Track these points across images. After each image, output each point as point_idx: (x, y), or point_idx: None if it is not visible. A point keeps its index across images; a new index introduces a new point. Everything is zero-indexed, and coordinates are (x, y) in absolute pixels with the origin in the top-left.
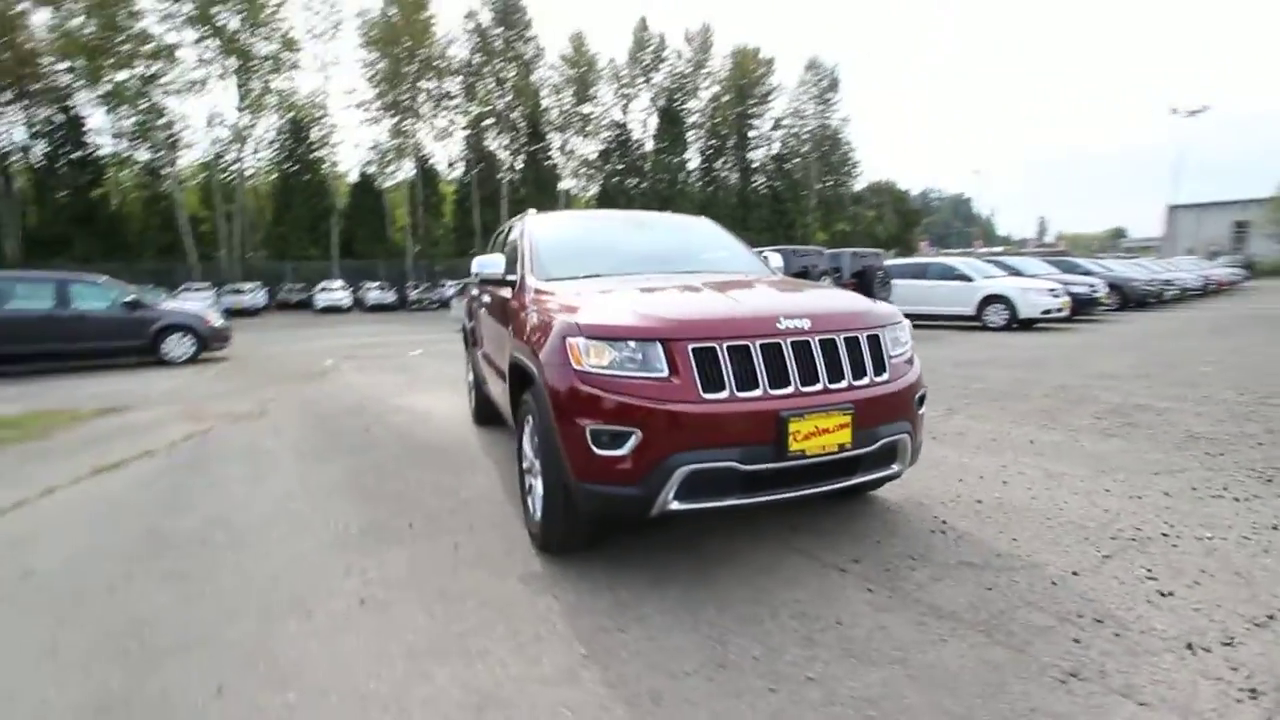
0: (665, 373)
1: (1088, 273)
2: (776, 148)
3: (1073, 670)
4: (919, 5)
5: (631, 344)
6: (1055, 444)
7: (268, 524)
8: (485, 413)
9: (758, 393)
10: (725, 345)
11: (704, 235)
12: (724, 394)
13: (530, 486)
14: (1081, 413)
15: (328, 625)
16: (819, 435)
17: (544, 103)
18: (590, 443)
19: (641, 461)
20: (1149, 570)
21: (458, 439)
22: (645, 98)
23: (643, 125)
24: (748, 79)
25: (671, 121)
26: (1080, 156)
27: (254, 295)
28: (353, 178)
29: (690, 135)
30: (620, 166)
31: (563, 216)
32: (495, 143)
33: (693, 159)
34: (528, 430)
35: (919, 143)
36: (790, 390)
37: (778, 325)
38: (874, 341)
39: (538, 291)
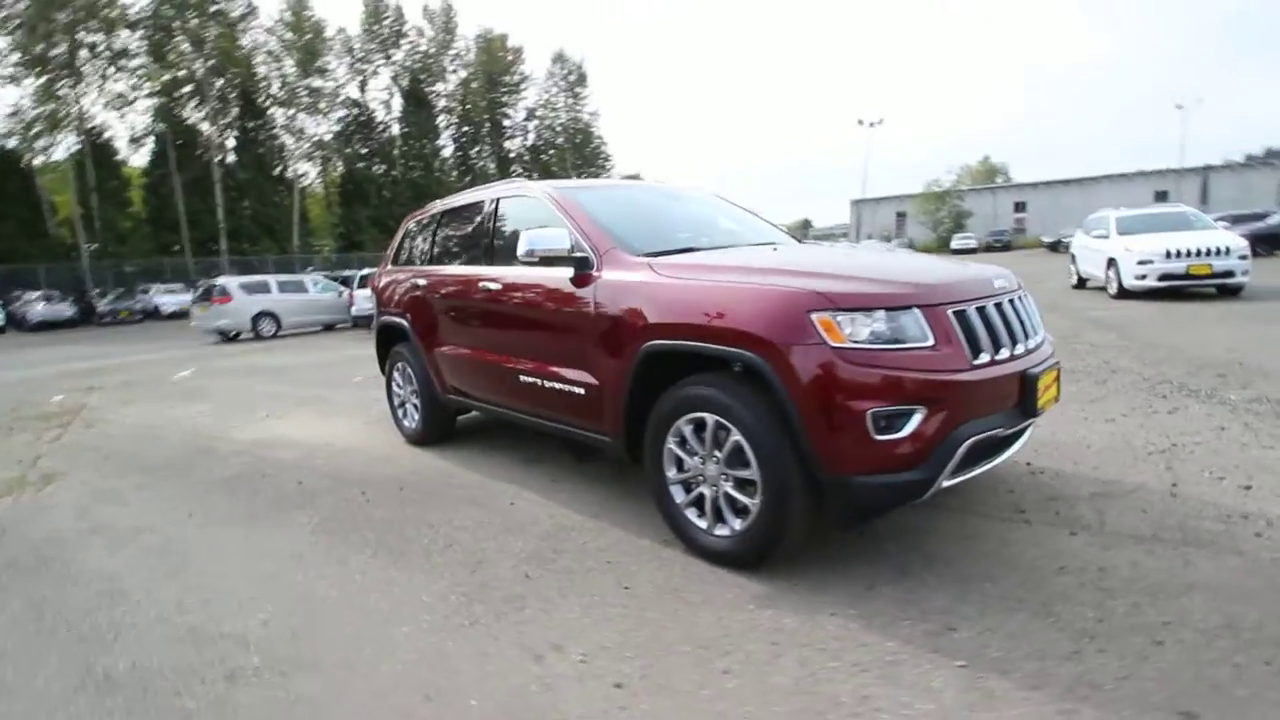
0: (931, 341)
1: None
2: (532, 138)
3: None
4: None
5: (882, 313)
6: None
7: None
8: (438, 430)
9: (1007, 354)
10: (973, 308)
11: (718, 205)
12: (987, 358)
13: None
14: None
15: None
16: (1046, 392)
17: (260, 71)
18: (870, 428)
19: (925, 441)
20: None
21: (439, 471)
22: (386, 75)
23: (386, 107)
24: (498, 66)
25: (419, 104)
26: (788, 158)
27: None
28: None
29: (441, 121)
30: (364, 150)
31: (587, 185)
32: (197, 115)
33: (447, 146)
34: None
35: (669, 137)
36: (1022, 349)
37: (994, 285)
38: (1026, 301)
39: (655, 268)
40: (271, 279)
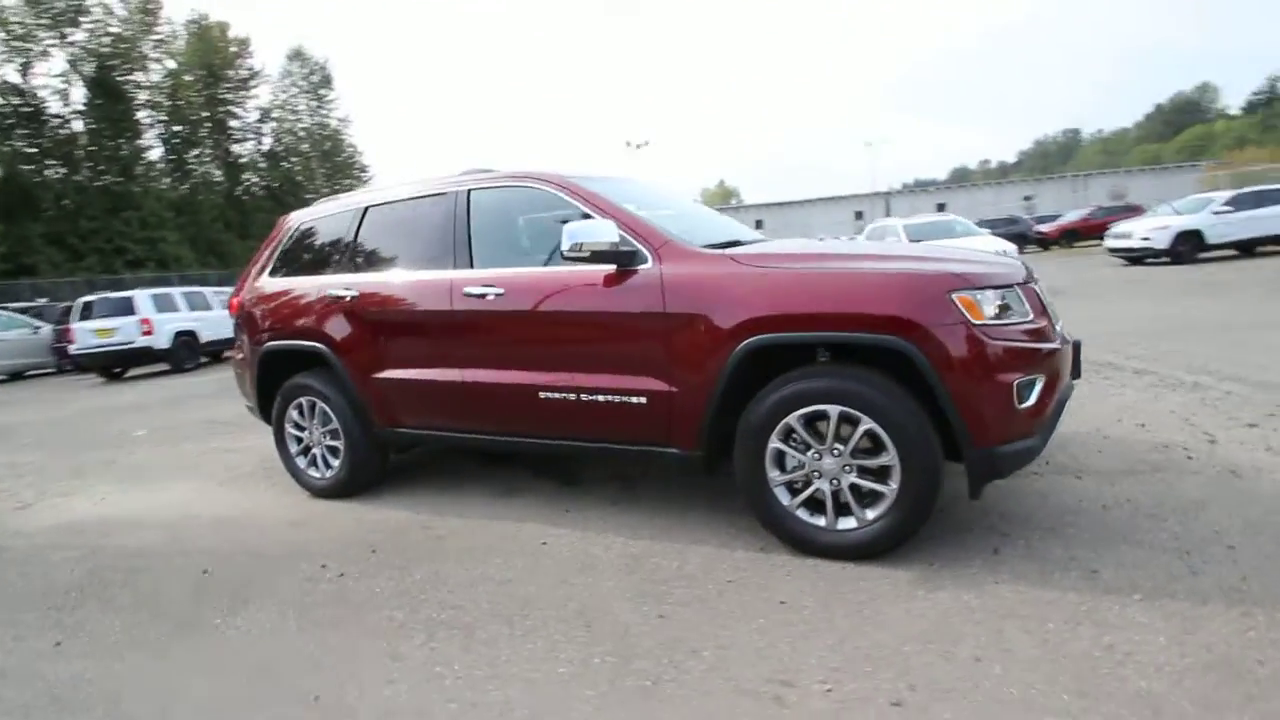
0: (1032, 315)
1: None
2: (269, 142)
3: None
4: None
5: (1002, 292)
6: None
7: None
8: (369, 475)
9: (1061, 325)
10: (1036, 286)
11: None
12: (1059, 328)
13: None
14: None
15: None
16: None
17: None
18: (1015, 399)
19: (1044, 407)
20: None
21: (401, 522)
22: (61, 59)
23: (62, 97)
24: (220, 58)
25: (110, 96)
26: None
27: None
28: None
29: (145, 117)
30: (31, 149)
31: (592, 177)
32: None
33: (154, 147)
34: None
35: (435, 151)
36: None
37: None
38: None
39: (738, 260)
40: None
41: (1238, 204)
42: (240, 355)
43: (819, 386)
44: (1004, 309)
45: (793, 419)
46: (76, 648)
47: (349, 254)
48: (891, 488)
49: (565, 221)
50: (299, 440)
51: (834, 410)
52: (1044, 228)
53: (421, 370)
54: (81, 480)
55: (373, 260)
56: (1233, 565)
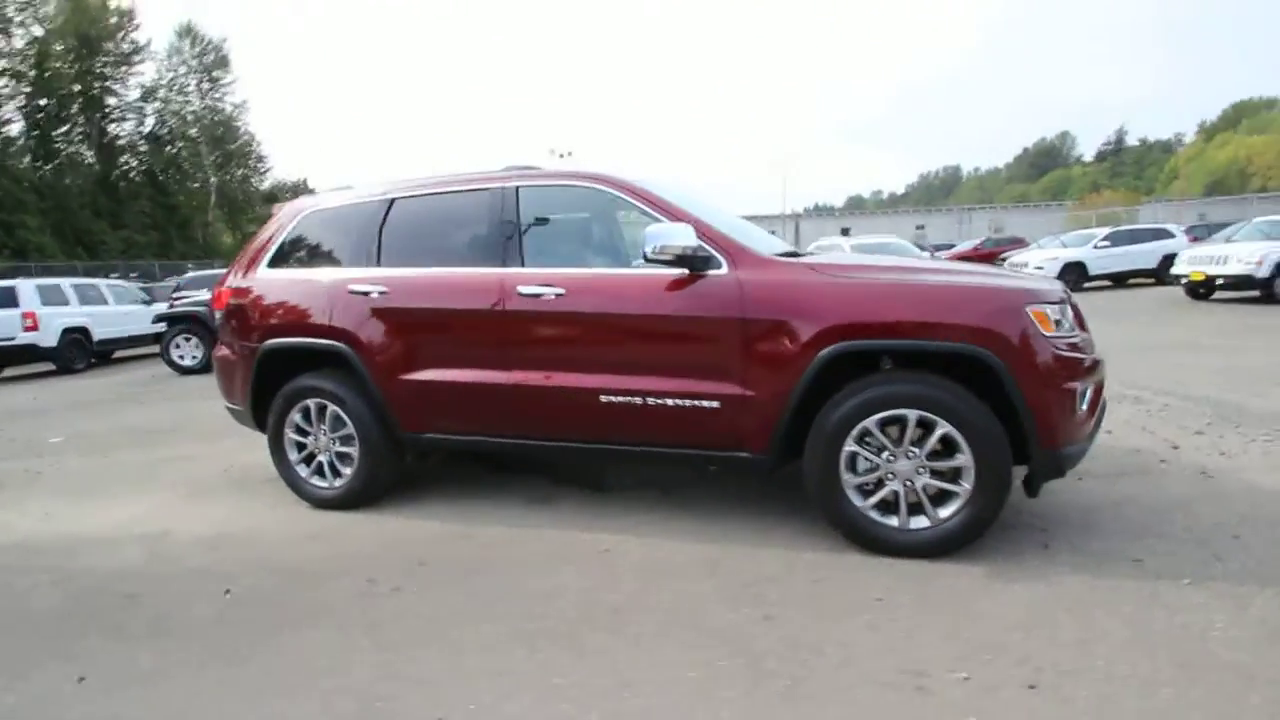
0: (1077, 329)
1: None
2: (151, 123)
3: None
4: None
5: (1059, 306)
6: None
7: None
8: (385, 483)
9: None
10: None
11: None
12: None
13: None
14: None
15: None
16: None
17: None
18: (1077, 404)
19: (1094, 411)
20: None
21: (436, 534)
22: None
23: None
24: (98, 28)
25: None
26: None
27: None
28: None
29: (3, 87)
30: None
31: (652, 180)
32: None
33: (13, 121)
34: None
35: (345, 148)
36: None
37: None
38: None
39: (818, 270)
40: None
41: (1114, 240)
42: (227, 353)
43: (903, 391)
44: (1061, 323)
45: (870, 423)
46: (103, 682)
47: (372, 247)
48: (965, 488)
49: (614, 223)
50: (301, 446)
51: (913, 414)
52: (942, 255)
53: (462, 371)
54: (7, 493)
55: (402, 255)
56: (1246, 552)
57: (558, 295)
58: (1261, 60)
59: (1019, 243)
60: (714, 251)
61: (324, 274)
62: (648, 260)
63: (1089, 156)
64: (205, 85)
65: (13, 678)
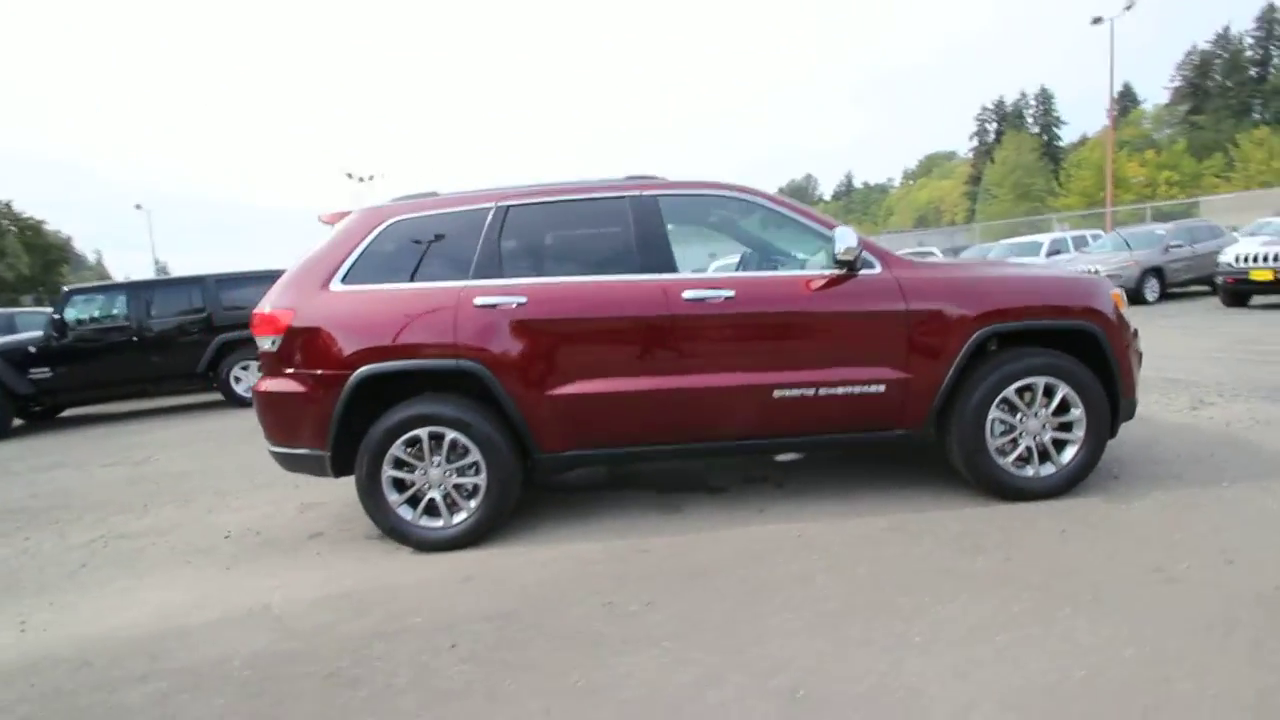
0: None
1: None
2: None
3: None
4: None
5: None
6: None
7: None
8: (505, 515)
9: None
10: None
11: None
12: None
13: None
14: None
15: None
16: None
17: None
18: (1136, 364)
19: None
20: None
21: (624, 551)
22: None
23: None
24: None
25: None
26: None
27: None
28: None
29: None
30: None
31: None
32: None
33: None
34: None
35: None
36: None
37: None
38: None
39: (947, 266)
40: None
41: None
42: (289, 386)
43: (1035, 363)
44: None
45: (1009, 391)
46: None
47: (489, 258)
48: (1078, 435)
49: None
50: (401, 485)
51: (1041, 381)
52: None
53: (623, 380)
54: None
55: (529, 265)
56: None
57: (727, 298)
58: (944, 119)
59: None
60: (868, 254)
61: (433, 287)
62: (837, 262)
63: (828, 196)
64: None
65: None
